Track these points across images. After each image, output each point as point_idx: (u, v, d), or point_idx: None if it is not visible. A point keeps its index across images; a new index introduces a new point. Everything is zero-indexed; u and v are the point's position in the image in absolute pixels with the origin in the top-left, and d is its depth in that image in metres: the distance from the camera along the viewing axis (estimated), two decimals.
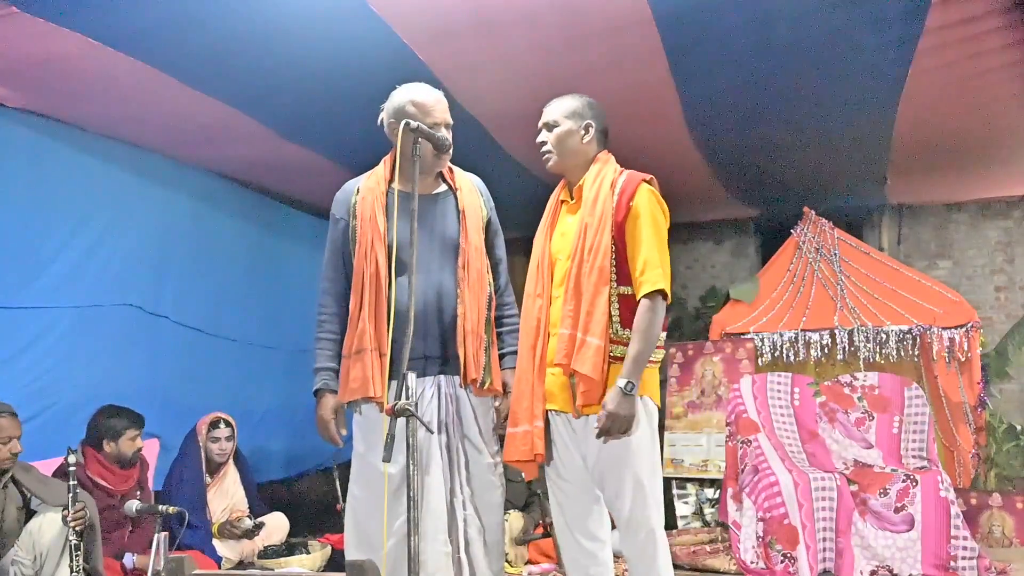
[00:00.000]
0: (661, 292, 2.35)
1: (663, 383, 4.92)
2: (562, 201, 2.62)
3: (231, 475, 4.18)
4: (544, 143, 2.53)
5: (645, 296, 2.35)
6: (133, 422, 3.56)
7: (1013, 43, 3.24)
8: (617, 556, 4.10)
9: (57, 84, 3.33)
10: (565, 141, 2.51)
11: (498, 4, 2.94)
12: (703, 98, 3.86)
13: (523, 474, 4.54)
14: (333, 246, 2.58)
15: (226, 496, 4.13)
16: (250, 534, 3.95)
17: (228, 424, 4.11)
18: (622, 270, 2.39)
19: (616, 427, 2.28)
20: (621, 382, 2.29)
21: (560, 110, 2.52)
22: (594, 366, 2.32)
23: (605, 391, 2.34)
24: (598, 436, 2.31)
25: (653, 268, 2.35)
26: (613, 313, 2.38)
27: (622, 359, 2.35)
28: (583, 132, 2.51)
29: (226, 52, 3.14)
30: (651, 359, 2.39)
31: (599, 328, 2.34)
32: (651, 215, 2.40)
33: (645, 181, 2.45)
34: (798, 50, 3.35)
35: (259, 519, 4.10)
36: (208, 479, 4.06)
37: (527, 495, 4.59)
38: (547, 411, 2.49)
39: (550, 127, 2.53)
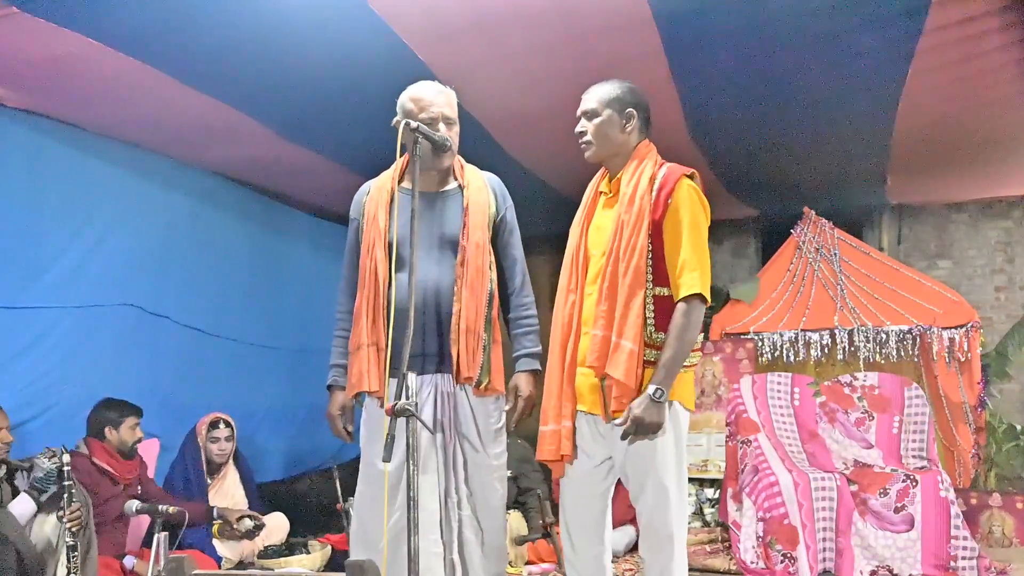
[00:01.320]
0: (699, 296, 2.26)
1: None
2: (600, 192, 2.51)
3: (231, 475, 4.19)
4: (583, 133, 2.43)
5: (682, 300, 2.26)
6: (132, 411, 3.64)
7: (1013, 43, 3.24)
8: (616, 556, 4.12)
9: (57, 84, 3.33)
10: (605, 131, 2.39)
11: (498, 4, 2.94)
12: (703, 98, 3.85)
13: (508, 472, 4.57)
14: (349, 245, 2.63)
15: (227, 497, 4.13)
16: (250, 535, 3.96)
17: (228, 424, 4.12)
18: (659, 270, 2.30)
19: (640, 432, 2.22)
20: (651, 388, 2.21)
21: (600, 97, 2.40)
22: (627, 371, 2.25)
23: (639, 396, 2.26)
24: (622, 438, 2.26)
25: (691, 270, 2.26)
26: (648, 316, 2.29)
27: (655, 363, 2.27)
28: (624, 122, 2.39)
29: (226, 52, 3.14)
30: (685, 363, 2.31)
31: (633, 332, 2.26)
32: (691, 213, 2.29)
33: (687, 176, 2.35)
34: (798, 50, 3.35)
35: (258, 519, 4.10)
36: (209, 480, 4.07)
37: (516, 493, 4.57)
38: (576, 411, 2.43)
39: (589, 116, 2.41)
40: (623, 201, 2.36)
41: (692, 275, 2.26)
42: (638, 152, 2.42)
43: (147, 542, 3.61)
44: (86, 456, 3.51)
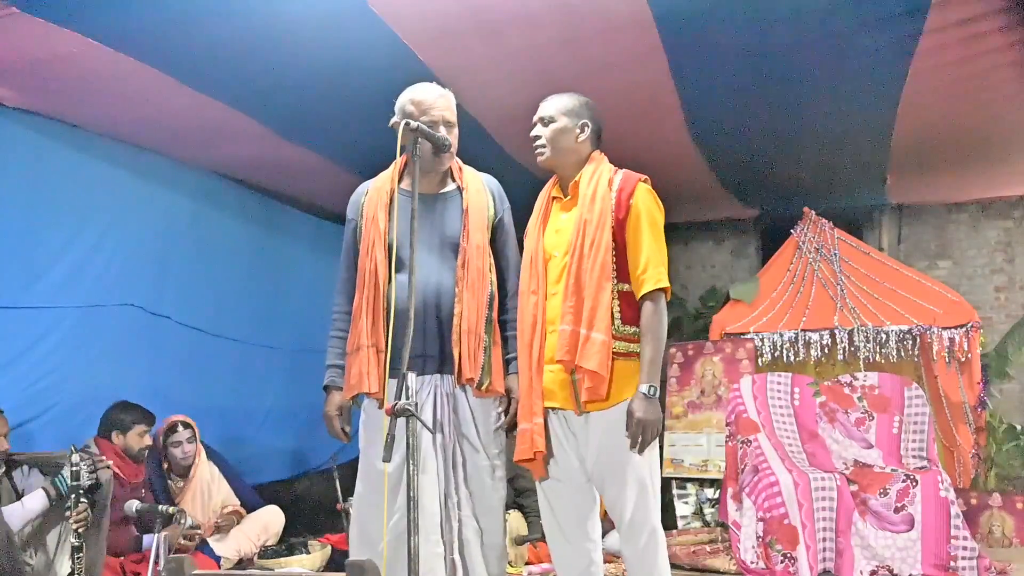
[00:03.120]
0: (663, 290, 2.40)
1: (663, 383, 4.93)
2: (554, 198, 2.62)
3: (206, 474, 4.11)
4: (538, 137, 2.53)
5: (648, 296, 2.39)
6: (143, 418, 3.63)
7: (1013, 43, 3.24)
8: (616, 556, 4.12)
9: (57, 84, 3.33)
10: (559, 137, 2.51)
11: (498, 5, 2.95)
12: (703, 98, 3.85)
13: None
14: (346, 246, 2.64)
15: (201, 496, 4.06)
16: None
17: (188, 426, 4.02)
18: (622, 267, 2.42)
19: (648, 434, 2.31)
20: (644, 387, 2.32)
21: (557, 106, 2.52)
22: (600, 362, 2.33)
23: (611, 387, 2.36)
24: (632, 447, 2.32)
25: (656, 266, 2.39)
26: (614, 309, 2.40)
27: (624, 354, 2.39)
28: (578, 131, 2.51)
29: (226, 52, 3.14)
30: None
31: (603, 324, 2.35)
32: (650, 214, 2.44)
33: (642, 181, 2.49)
34: (798, 50, 3.35)
35: (226, 509, 4.06)
36: (180, 482, 4.02)
37: (514, 494, 4.55)
38: (545, 408, 2.47)
39: (546, 122, 2.53)
40: (584, 202, 2.46)
41: (658, 270, 2.40)
42: (592, 159, 2.55)
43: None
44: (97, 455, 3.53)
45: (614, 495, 2.40)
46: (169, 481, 4.01)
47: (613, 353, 2.37)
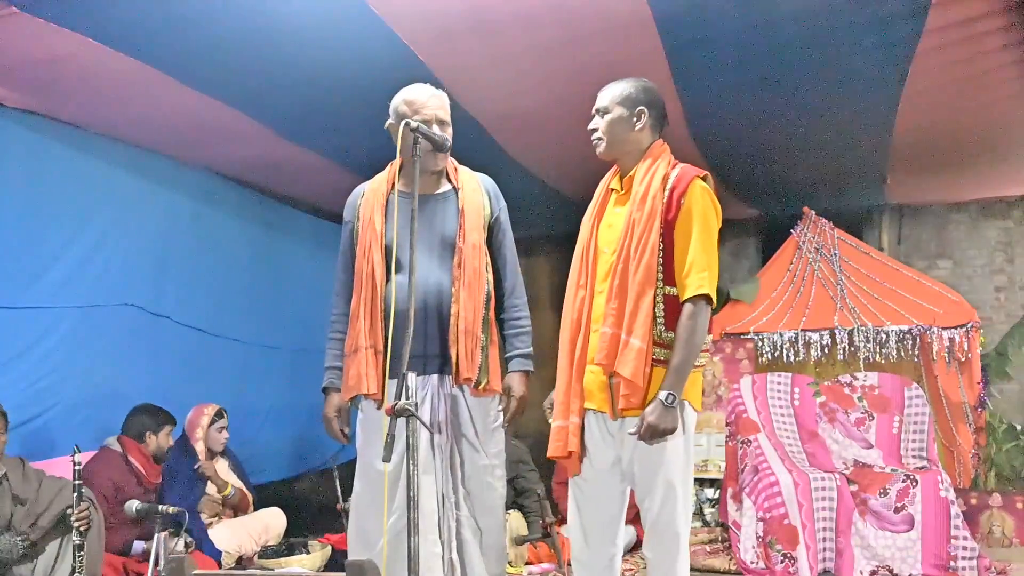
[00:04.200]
0: (705, 297, 2.27)
1: None
2: (612, 189, 2.51)
3: (221, 464, 4.21)
4: (595, 129, 2.44)
5: (688, 301, 2.27)
6: (171, 420, 3.82)
7: (1013, 43, 3.24)
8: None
9: (57, 84, 3.33)
10: (615, 128, 2.41)
11: (498, 5, 2.94)
12: (703, 98, 3.85)
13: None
14: (343, 249, 2.64)
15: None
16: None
17: (226, 413, 4.20)
18: (669, 270, 2.31)
19: (654, 438, 2.23)
20: (663, 394, 2.21)
21: (612, 95, 2.43)
22: (635, 370, 2.25)
23: (647, 395, 2.28)
24: (639, 438, 2.26)
25: (699, 271, 2.27)
26: (658, 314, 2.29)
27: (664, 362, 2.28)
28: (635, 120, 2.40)
29: (226, 52, 3.14)
30: (695, 364, 2.32)
31: (642, 330, 2.26)
32: (702, 215, 2.30)
33: (699, 177, 2.35)
34: (798, 50, 3.35)
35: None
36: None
37: (514, 495, 4.56)
38: (584, 408, 2.42)
39: (601, 113, 2.43)
40: (635, 200, 2.36)
41: (700, 276, 2.27)
42: (651, 151, 2.43)
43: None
44: (120, 453, 3.60)
45: (643, 495, 2.36)
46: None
47: (653, 360, 2.28)
